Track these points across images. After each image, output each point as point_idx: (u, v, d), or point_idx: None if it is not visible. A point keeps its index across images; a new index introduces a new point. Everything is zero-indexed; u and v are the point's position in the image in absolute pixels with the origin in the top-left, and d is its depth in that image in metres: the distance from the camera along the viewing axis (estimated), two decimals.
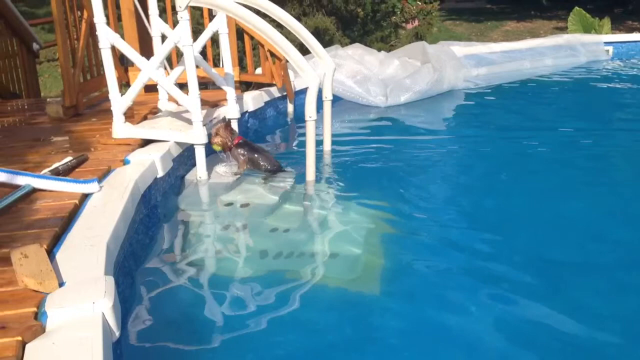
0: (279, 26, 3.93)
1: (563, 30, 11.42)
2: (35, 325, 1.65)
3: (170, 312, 2.36)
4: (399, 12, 9.80)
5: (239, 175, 3.63)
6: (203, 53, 4.28)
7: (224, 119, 3.75)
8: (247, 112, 4.73)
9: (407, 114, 5.64)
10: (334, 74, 3.95)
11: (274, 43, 3.35)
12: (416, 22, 10.01)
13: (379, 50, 6.83)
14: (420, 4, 10.17)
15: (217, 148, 3.66)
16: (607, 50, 8.45)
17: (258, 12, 3.60)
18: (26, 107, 4.83)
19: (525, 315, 2.27)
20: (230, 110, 4.03)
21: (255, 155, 3.69)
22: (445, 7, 14.81)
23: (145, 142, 3.52)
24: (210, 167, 3.62)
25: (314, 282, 2.55)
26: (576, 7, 10.15)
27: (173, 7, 5.09)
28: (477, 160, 4.26)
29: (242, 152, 3.67)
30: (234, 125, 4.02)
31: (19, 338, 1.58)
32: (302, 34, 3.83)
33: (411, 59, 6.41)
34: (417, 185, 3.81)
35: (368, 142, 4.70)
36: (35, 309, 1.73)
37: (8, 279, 1.90)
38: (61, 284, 1.87)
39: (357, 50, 6.23)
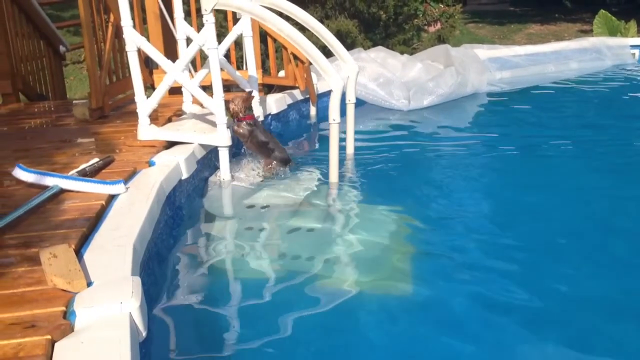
0: (302, 29, 3.94)
1: (588, 33, 11.29)
2: (64, 324, 1.66)
3: (193, 312, 2.37)
4: (421, 15, 9.77)
5: (262, 178, 3.64)
6: (226, 56, 4.30)
7: (249, 92, 3.80)
8: (270, 114, 4.75)
9: (429, 117, 5.61)
10: (357, 77, 3.94)
11: (298, 46, 3.36)
12: (438, 25, 9.97)
13: (402, 53, 6.81)
14: (442, 6, 10.13)
15: (227, 115, 3.61)
16: (634, 54, 8.34)
17: (281, 15, 3.61)
18: (52, 108, 4.90)
19: (557, 324, 2.24)
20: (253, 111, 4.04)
21: (260, 135, 3.73)
22: (468, 10, 14.72)
23: (170, 144, 3.55)
24: (233, 169, 3.63)
25: (336, 284, 2.55)
26: (602, 10, 10.02)
27: (197, 10, 5.14)
28: (500, 164, 4.22)
29: (247, 126, 3.70)
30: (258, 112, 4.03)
31: (49, 337, 1.60)
32: (326, 37, 3.83)
33: (434, 62, 6.39)
34: (440, 189, 3.79)
35: (391, 145, 4.68)
36: (64, 308, 1.75)
37: (37, 279, 1.93)
38: (89, 284, 1.89)
39: (379, 53, 6.22)
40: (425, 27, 9.97)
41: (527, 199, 3.51)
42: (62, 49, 5.79)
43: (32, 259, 2.07)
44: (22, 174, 2.75)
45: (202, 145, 3.59)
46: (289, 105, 5.07)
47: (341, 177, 3.66)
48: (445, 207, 3.50)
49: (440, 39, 9.47)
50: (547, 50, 7.84)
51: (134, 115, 3.84)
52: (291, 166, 3.85)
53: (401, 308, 2.40)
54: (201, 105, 4.13)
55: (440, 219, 3.29)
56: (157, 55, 3.52)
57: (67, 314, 1.73)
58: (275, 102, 4.84)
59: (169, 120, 4.04)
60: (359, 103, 4.02)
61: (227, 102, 3.58)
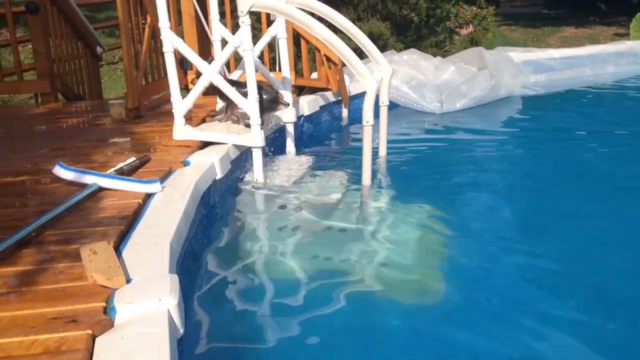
0: (335, 30, 3.94)
1: (624, 36, 11.06)
2: (105, 320, 1.69)
3: (226, 311, 2.40)
4: (453, 17, 9.70)
5: (295, 178, 3.65)
6: (260, 57, 4.33)
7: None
8: (302, 116, 4.77)
9: (462, 120, 5.56)
10: (391, 79, 3.93)
11: (333, 48, 3.37)
12: (471, 28, 9.88)
13: (434, 55, 6.77)
14: (475, 8, 10.04)
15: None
16: None
17: (314, 17, 3.62)
18: (89, 108, 4.99)
19: (592, 337, 2.20)
20: (287, 114, 4.07)
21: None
22: (501, 12, 14.54)
23: (204, 144, 3.58)
24: (266, 170, 3.66)
25: (366, 287, 2.56)
26: (639, 13, 9.82)
27: (231, 11, 5.18)
28: (535, 168, 4.17)
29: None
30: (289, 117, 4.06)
31: (90, 331, 1.63)
32: (360, 39, 3.83)
33: (467, 64, 6.33)
34: (473, 192, 3.77)
35: (423, 147, 4.67)
36: (104, 304, 1.78)
37: (78, 274, 1.96)
38: (128, 281, 1.92)
39: (412, 56, 6.20)
40: (457, 30, 9.90)
41: (561, 205, 3.46)
42: (99, 50, 5.89)
43: (72, 255, 2.11)
44: (63, 172, 2.81)
45: (236, 146, 3.62)
46: (321, 107, 5.09)
47: (373, 179, 3.65)
48: (478, 210, 3.47)
49: (473, 42, 9.38)
50: (582, 53, 7.72)
51: (168, 115, 3.90)
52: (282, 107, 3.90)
53: (432, 311, 2.40)
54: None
55: (472, 222, 3.27)
56: (193, 56, 3.56)
57: (107, 310, 1.76)
58: (308, 104, 4.86)
59: (203, 120, 4.08)
60: (391, 106, 4.02)
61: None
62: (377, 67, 3.94)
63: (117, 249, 2.18)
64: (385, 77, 3.86)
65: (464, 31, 9.96)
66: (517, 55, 6.96)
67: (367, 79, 3.36)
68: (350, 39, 3.88)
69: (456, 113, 5.71)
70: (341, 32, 3.83)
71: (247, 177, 3.67)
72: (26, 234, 2.23)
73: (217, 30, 4.08)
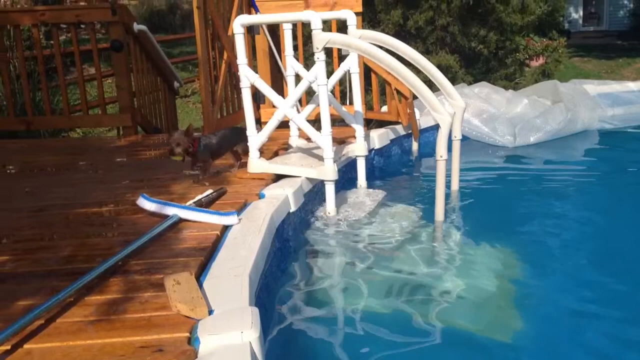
0: (406, 64, 3.96)
1: None
2: (189, 350, 1.73)
3: (299, 345, 2.41)
4: (522, 49, 9.57)
5: (367, 212, 3.65)
6: (331, 91, 4.39)
7: (188, 127, 3.48)
8: (373, 149, 4.78)
9: (536, 155, 5.43)
10: (464, 113, 3.90)
11: (406, 82, 3.38)
12: (541, 60, 9.71)
13: (504, 88, 6.68)
14: (545, 40, 9.87)
15: (178, 158, 3.46)
16: None
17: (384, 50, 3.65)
18: (164, 141, 5.17)
19: None
20: (358, 148, 4.09)
21: (219, 148, 3.65)
22: (572, 44, 14.22)
23: (278, 177, 3.64)
24: (338, 203, 3.67)
25: (439, 324, 2.52)
26: None
27: (303, 45, 5.30)
28: (612, 205, 4.02)
29: (207, 154, 3.59)
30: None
31: None
32: (433, 72, 3.83)
33: (541, 97, 6.20)
34: (548, 228, 3.66)
35: (496, 182, 4.58)
36: (188, 334, 1.82)
37: (162, 304, 2.02)
38: (210, 312, 1.96)
39: (483, 89, 6.13)
40: (527, 62, 9.74)
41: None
42: (176, 84, 6.15)
43: (156, 285, 2.17)
44: (146, 203, 2.92)
45: (309, 179, 3.66)
46: (392, 141, 5.09)
47: (446, 214, 3.61)
48: (553, 248, 3.38)
49: (545, 74, 9.21)
50: None
51: None
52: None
53: (504, 356, 2.32)
54: (307, 139, 4.23)
55: (547, 260, 3.19)
56: (269, 91, 3.65)
57: (191, 340, 1.79)
58: (379, 137, 4.87)
59: (276, 153, 4.16)
60: (462, 139, 3.98)
61: (170, 143, 3.44)
62: (449, 100, 3.92)
63: (198, 280, 2.23)
64: (458, 111, 3.83)
65: (534, 63, 9.80)
66: (593, 87, 6.76)
67: (441, 113, 3.35)
68: (419, 72, 3.89)
69: (530, 147, 5.58)
70: (412, 65, 3.85)
71: (320, 211, 3.70)
72: (113, 264, 2.31)
73: (291, 65, 4.18)
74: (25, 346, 1.78)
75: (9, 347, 1.76)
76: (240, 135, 3.79)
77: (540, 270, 3.03)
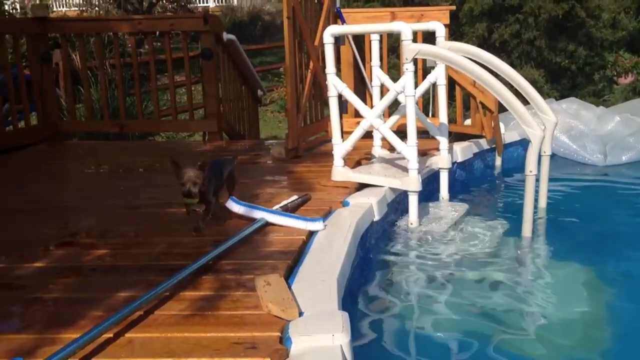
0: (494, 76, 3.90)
1: None
2: (282, 349, 1.76)
3: (378, 355, 2.39)
4: (610, 66, 9.23)
5: (449, 225, 3.60)
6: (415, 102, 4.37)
7: (203, 162, 2.76)
8: (455, 162, 4.71)
9: (629, 174, 5.18)
10: (555, 128, 3.79)
11: (499, 96, 3.32)
12: (630, 77, 9.34)
13: (596, 105, 6.43)
14: (635, 57, 9.49)
15: (194, 202, 2.80)
16: None
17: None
18: (249, 147, 5.30)
19: None
20: (442, 160, 4.05)
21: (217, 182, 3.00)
22: None
23: (361, 186, 3.65)
24: (421, 215, 3.64)
25: (523, 342, 2.46)
26: None
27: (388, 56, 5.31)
28: None
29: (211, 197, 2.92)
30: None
31: (269, 359, 1.70)
32: (524, 86, 3.74)
33: (634, 115, 5.93)
34: (638, 250, 3.49)
35: (585, 201, 4.42)
36: (279, 334, 1.85)
37: (253, 303, 2.07)
38: (300, 314, 1.98)
39: (572, 105, 5.93)
40: (615, 78, 9.40)
41: None
42: (259, 93, 6.30)
43: (245, 285, 2.23)
44: (235, 206, 2.99)
45: (392, 189, 3.65)
46: (475, 154, 5.00)
47: (533, 231, 3.51)
48: None
49: (635, 91, 8.82)
50: None
51: (324, 156, 4.04)
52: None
53: None
54: (390, 149, 4.22)
55: (636, 282, 3.03)
56: (355, 100, 3.68)
57: (283, 340, 1.82)
58: (462, 151, 4.80)
59: (358, 163, 4.17)
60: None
61: (185, 183, 2.72)
62: (540, 115, 3.81)
63: (286, 282, 2.27)
64: (549, 126, 3.72)
65: (622, 80, 9.43)
66: None
67: (533, 128, 3.27)
68: (509, 85, 3.81)
69: (622, 166, 5.33)
70: (500, 78, 3.78)
71: (402, 221, 3.68)
72: (204, 263, 2.39)
73: (377, 76, 4.19)
74: (127, 335, 1.87)
75: (111, 335, 1.85)
76: (225, 163, 3.19)
77: (629, 292, 2.92)
